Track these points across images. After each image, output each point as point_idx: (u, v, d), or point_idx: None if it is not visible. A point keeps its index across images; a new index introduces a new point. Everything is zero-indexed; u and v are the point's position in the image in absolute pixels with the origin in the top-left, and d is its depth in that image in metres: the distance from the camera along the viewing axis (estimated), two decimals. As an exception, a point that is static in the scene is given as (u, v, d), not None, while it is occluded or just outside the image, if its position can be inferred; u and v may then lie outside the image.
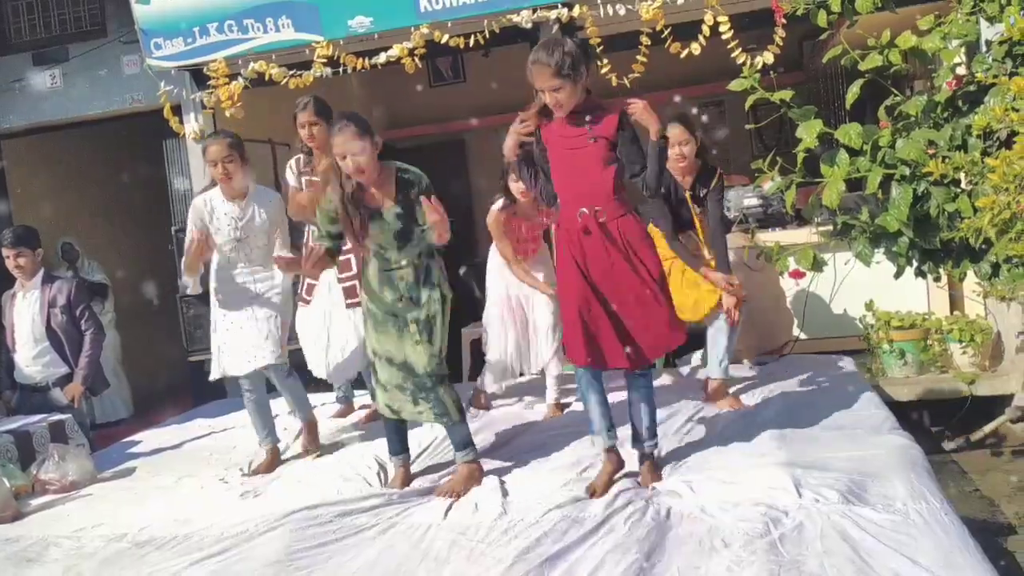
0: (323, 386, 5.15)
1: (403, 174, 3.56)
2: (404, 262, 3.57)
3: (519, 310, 4.66)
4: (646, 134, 3.25)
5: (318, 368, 4.70)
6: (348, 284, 4.57)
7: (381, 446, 3.92)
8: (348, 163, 3.45)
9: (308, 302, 4.68)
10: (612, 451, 3.44)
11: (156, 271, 7.92)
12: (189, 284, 4.33)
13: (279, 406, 4.49)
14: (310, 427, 4.37)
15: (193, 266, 4.20)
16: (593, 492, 3.30)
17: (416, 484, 3.69)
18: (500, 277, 4.69)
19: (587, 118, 3.23)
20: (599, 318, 3.26)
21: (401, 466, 3.79)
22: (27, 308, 4.94)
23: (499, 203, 4.54)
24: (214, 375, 4.23)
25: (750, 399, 4.38)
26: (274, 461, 4.21)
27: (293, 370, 4.32)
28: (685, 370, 5.36)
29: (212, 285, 4.23)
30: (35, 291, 4.95)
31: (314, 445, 4.33)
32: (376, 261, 3.61)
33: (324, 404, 5.15)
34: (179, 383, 7.22)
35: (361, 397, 5.09)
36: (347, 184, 3.50)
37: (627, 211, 3.29)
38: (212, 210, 4.15)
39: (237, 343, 4.14)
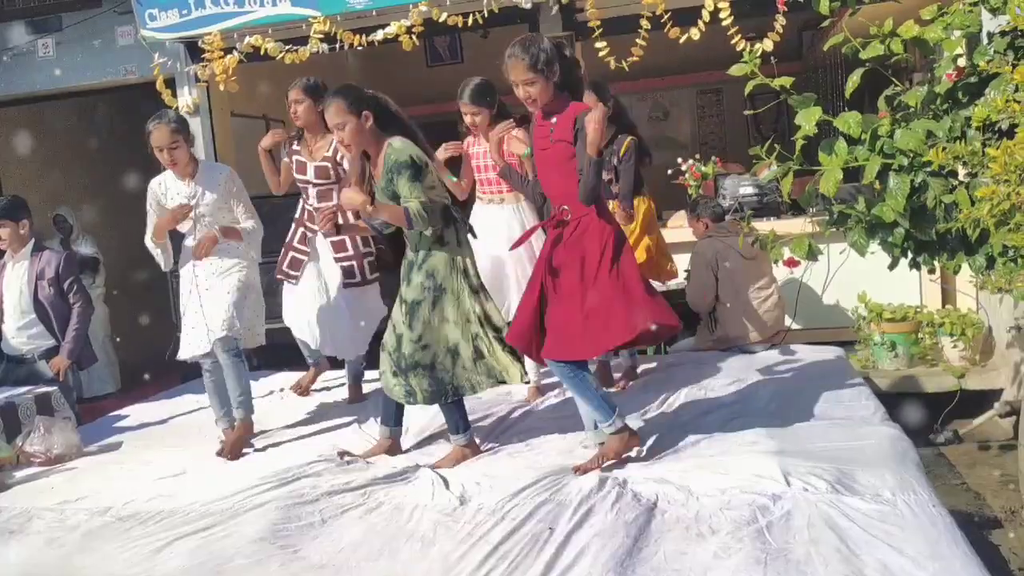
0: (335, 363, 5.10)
1: (388, 151, 3.53)
2: (410, 239, 3.63)
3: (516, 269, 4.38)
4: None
5: (313, 341, 4.70)
6: (346, 264, 4.54)
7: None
8: (336, 136, 3.57)
9: (295, 279, 4.64)
10: (625, 429, 3.40)
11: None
12: (161, 258, 4.23)
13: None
14: (245, 427, 4.10)
15: (161, 233, 4.15)
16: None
17: (404, 464, 3.66)
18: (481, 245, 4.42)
19: (553, 120, 3.34)
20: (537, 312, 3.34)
21: (389, 438, 3.80)
22: (15, 279, 4.88)
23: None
24: (183, 355, 4.17)
25: (741, 388, 4.36)
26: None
27: (243, 353, 4.12)
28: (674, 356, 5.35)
29: (181, 270, 4.20)
30: (24, 262, 4.88)
31: (236, 450, 3.98)
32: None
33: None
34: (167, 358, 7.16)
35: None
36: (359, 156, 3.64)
37: (593, 210, 3.30)
38: (166, 190, 4.15)
39: (199, 322, 4.08)
